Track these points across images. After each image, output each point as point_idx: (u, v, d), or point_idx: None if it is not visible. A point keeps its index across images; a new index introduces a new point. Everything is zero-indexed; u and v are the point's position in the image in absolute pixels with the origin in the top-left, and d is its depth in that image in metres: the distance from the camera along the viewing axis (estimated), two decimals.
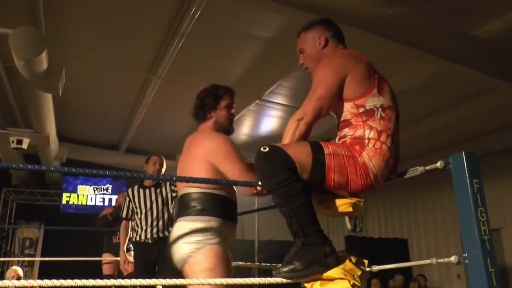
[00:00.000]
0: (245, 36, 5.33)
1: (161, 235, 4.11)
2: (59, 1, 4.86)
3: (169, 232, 4.07)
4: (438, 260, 1.61)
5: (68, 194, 10.14)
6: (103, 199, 10.38)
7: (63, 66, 5.27)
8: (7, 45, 4.35)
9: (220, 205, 2.23)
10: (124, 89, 7.14)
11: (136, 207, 4.24)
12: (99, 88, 7.16)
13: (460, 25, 4.71)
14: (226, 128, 2.47)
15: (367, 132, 1.87)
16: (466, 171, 1.59)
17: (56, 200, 10.25)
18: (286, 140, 1.88)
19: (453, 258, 1.56)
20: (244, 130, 8.58)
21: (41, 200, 10.25)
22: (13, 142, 6.72)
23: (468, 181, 1.58)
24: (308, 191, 1.80)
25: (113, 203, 10.25)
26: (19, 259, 9.06)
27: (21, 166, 1.55)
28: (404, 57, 5.19)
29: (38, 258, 9.28)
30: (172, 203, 4.25)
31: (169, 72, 6.07)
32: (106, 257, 5.71)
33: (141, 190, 4.28)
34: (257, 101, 6.93)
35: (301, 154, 1.79)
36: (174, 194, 4.24)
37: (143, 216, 4.16)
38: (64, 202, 10.07)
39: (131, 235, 4.43)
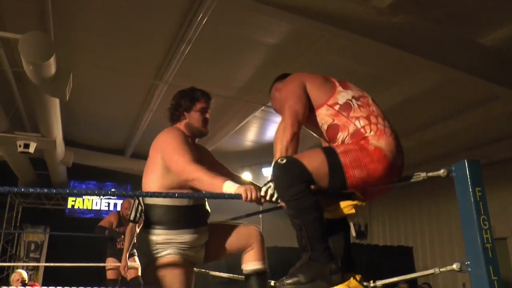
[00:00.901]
0: (251, 43, 5.36)
1: None
2: (68, 7, 4.91)
3: None
4: (441, 269, 1.62)
5: (74, 199, 10.20)
6: (108, 203, 10.43)
7: (71, 71, 5.32)
8: (16, 50, 4.40)
9: (180, 216, 2.21)
10: (131, 94, 7.19)
11: (144, 210, 4.22)
12: (106, 93, 7.21)
13: (465, 33, 4.72)
14: (199, 130, 2.44)
15: (357, 123, 1.91)
16: (469, 179, 1.60)
17: (61, 204, 10.30)
18: (277, 148, 1.92)
19: (455, 266, 1.57)
20: (249, 136, 8.60)
21: (46, 204, 10.31)
22: (20, 146, 6.77)
23: (470, 189, 1.60)
24: (321, 207, 1.83)
25: (118, 208, 10.30)
26: (23, 264, 9.09)
27: (31, 190, 1.57)
28: (409, 65, 5.20)
29: (42, 264, 9.30)
30: None
31: (176, 77, 6.10)
32: (110, 262, 5.72)
33: None
34: (263, 108, 6.95)
35: (315, 162, 1.83)
36: None
37: None
38: (69, 206, 10.13)
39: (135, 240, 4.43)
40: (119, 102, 7.57)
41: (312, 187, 1.84)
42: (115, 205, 10.34)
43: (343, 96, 1.99)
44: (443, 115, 6.80)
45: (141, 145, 9.23)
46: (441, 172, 1.68)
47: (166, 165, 2.22)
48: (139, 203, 4.32)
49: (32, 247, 9.93)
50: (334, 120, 1.96)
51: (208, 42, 5.29)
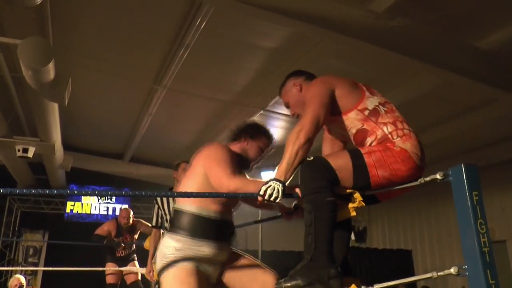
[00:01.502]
0: (250, 47, 5.38)
1: None
2: (67, 12, 4.93)
3: None
4: (439, 273, 1.62)
5: (72, 203, 10.19)
6: (107, 208, 10.42)
7: (70, 76, 5.33)
8: (15, 55, 4.41)
9: (204, 227, 2.20)
10: (130, 98, 7.20)
11: (165, 214, 4.15)
12: (105, 97, 7.22)
13: (462, 37, 4.75)
14: (248, 160, 2.42)
15: (385, 129, 1.97)
16: (466, 183, 1.61)
17: (60, 208, 10.29)
18: (287, 150, 1.94)
19: (453, 270, 1.58)
20: None
21: (45, 209, 10.30)
22: (19, 150, 6.77)
23: (467, 193, 1.60)
24: (336, 208, 1.84)
25: (117, 212, 10.29)
26: (22, 268, 9.06)
27: (33, 191, 1.57)
28: (407, 68, 5.22)
29: (41, 268, 9.27)
30: None
31: (174, 82, 6.12)
32: (109, 267, 5.70)
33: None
34: (262, 111, 6.96)
35: (341, 161, 1.89)
36: None
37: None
38: (68, 210, 10.12)
39: None
40: (118, 106, 7.58)
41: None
42: (114, 209, 10.32)
43: (371, 101, 2.04)
44: (441, 118, 6.82)
45: (140, 149, 9.23)
46: (438, 175, 1.69)
47: (206, 176, 2.22)
48: (159, 207, 4.25)
49: (31, 251, 9.91)
50: (363, 125, 2.01)
51: (206, 47, 5.31)
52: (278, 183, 1.90)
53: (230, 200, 2.27)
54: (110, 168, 10.09)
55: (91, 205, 10.34)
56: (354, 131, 2.04)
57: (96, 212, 10.31)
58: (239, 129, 2.50)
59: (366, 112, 2.00)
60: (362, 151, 1.92)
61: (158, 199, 4.24)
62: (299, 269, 1.80)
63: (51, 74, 4.72)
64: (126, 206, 10.28)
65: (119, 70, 6.12)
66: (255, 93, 6.38)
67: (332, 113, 2.05)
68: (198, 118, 7.75)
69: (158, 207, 4.25)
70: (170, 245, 2.18)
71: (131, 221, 5.73)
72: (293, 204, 2.42)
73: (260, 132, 2.46)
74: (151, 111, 7.19)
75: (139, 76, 6.33)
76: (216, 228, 2.22)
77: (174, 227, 2.23)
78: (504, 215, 8.26)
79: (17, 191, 1.70)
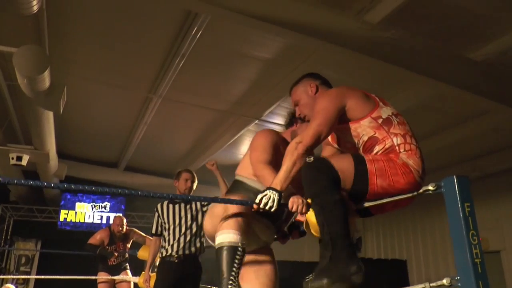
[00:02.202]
0: (245, 57, 5.40)
1: (186, 251, 4.00)
2: (63, 21, 4.94)
3: (195, 248, 4.04)
4: (431, 284, 1.63)
5: (66, 211, 10.14)
6: (101, 216, 10.37)
7: (65, 84, 5.33)
8: (10, 63, 4.41)
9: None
10: (125, 107, 7.21)
11: (164, 222, 4.14)
12: (100, 106, 7.22)
13: (456, 48, 4.79)
14: None
15: (394, 140, 1.99)
16: (458, 195, 1.62)
17: (53, 217, 10.23)
18: (285, 160, 1.98)
19: (445, 281, 1.58)
20: (243, 150, 8.61)
21: (38, 217, 10.24)
22: (13, 158, 6.75)
23: (459, 205, 1.62)
24: (345, 205, 1.87)
25: (111, 221, 10.24)
26: (13, 277, 8.99)
27: (22, 181, 1.57)
28: (401, 79, 5.26)
29: (32, 276, 9.20)
30: (202, 218, 4.09)
31: (170, 91, 6.13)
32: (102, 276, 5.66)
33: (171, 206, 4.17)
34: (257, 121, 6.98)
35: (343, 163, 1.91)
36: (204, 209, 4.13)
37: (171, 231, 4.06)
38: (61, 219, 10.06)
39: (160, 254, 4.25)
40: (113, 115, 7.59)
41: None
42: (108, 218, 10.28)
43: (384, 111, 2.06)
44: (435, 129, 6.86)
45: (135, 158, 9.22)
46: (430, 186, 1.71)
47: None
48: (159, 216, 4.23)
49: (23, 260, 9.84)
50: (375, 133, 2.02)
51: (202, 56, 5.33)
52: (274, 192, 1.92)
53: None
54: (105, 177, 10.05)
55: (84, 213, 10.29)
56: (365, 138, 2.05)
57: (90, 220, 10.27)
58: (290, 115, 2.61)
59: (380, 121, 2.02)
60: (366, 158, 1.94)
61: (159, 208, 4.23)
62: (322, 268, 1.80)
63: (47, 83, 4.73)
64: (120, 214, 10.25)
65: (115, 79, 6.13)
66: (251, 103, 6.40)
67: (344, 121, 2.07)
68: (193, 127, 7.76)
69: (158, 216, 4.23)
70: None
71: (124, 229, 5.72)
72: (287, 226, 2.44)
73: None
74: (146, 120, 7.19)
75: (134, 85, 6.34)
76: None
77: (231, 193, 2.34)
78: (498, 225, 8.27)
79: (7, 180, 1.66)
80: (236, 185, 2.42)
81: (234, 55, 5.37)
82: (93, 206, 10.44)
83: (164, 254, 4.06)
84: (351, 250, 1.80)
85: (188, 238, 4.04)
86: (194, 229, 4.08)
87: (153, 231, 4.30)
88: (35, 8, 3.83)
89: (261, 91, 6.06)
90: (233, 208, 2.10)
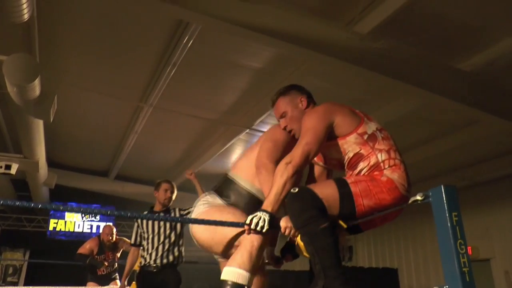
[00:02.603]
0: (236, 66, 5.42)
1: (164, 260, 4.04)
2: (54, 29, 4.94)
3: (173, 257, 4.06)
4: None
5: (56, 220, 10.05)
6: (91, 226, 10.30)
7: (56, 93, 5.31)
8: (0, 71, 4.39)
9: (251, 205, 2.20)
10: (115, 116, 7.19)
11: (143, 232, 4.18)
12: (91, 114, 7.20)
13: (444, 58, 4.85)
14: None
15: (379, 156, 1.99)
16: (445, 204, 1.64)
17: (43, 226, 10.14)
18: (275, 181, 1.95)
19: None
20: (234, 159, 8.61)
21: (27, 226, 10.13)
22: (1, 167, 6.70)
23: (447, 214, 1.63)
24: (335, 232, 1.86)
25: (101, 230, 10.15)
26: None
27: (8, 202, 1.57)
28: (391, 89, 5.30)
29: (19, 287, 9.08)
30: (181, 227, 4.19)
31: (161, 100, 6.13)
32: (91, 286, 5.60)
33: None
34: (247, 131, 6.99)
35: (327, 191, 1.90)
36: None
37: (150, 240, 4.11)
38: (51, 228, 9.98)
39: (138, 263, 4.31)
40: (103, 124, 7.56)
41: None
42: (98, 227, 10.21)
43: (370, 126, 2.07)
44: (424, 138, 6.91)
45: (125, 167, 9.18)
46: (418, 196, 1.72)
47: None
48: (138, 226, 4.25)
49: (10, 270, 9.72)
50: (360, 149, 2.03)
51: (193, 65, 5.35)
52: (265, 213, 1.90)
53: None
54: (95, 185, 10.00)
55: (74, 222, 10.21)
56: (351, 154, 2.05)
57: (80, 230, 10.19)
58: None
59: (365, 136, 2.03)
60: (348, 180, 1.94)
61: (142, 220, 4.25)
62: None
63: (37, 91, 4.71)
64: (110, 224, 10.17)
65: (105, 87, 6.13)
66: (241, 112, 6.41)
67: (331, 138, 2.06)
68: (184, 136, 7.75)
69: (138, 226, 4.27)
70: (220, 203, 2.23)
71: (114, 238, 5.68)
72: (280, 249, 2.44)
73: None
74: (137, 129, 7.18)
75: (125, 94, 6.33)
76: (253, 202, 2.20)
77: (224, 195, 2.27)
78: (488, 234, 8.32)
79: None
80: (226, 184, 2.31)
81: (225, 64, 5.39)
82: (83, 215, 10.37)
83: (143, 263, 4.12)
84: (343, 278, 1.80)
85: (166, 247, 4.09)
86: (172, 238, 4.13)
87: (132, 241, 4.34)
88: (26, 16, 3.83)
89: (252, 101, 6.08)
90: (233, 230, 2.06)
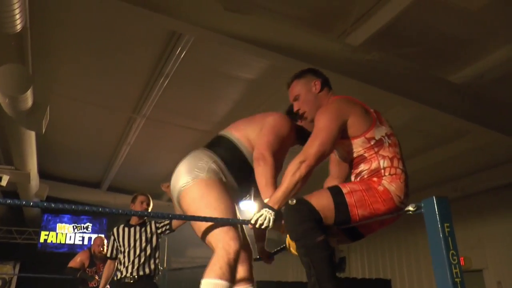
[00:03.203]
0: (229, 78, 5.44)
1: (141, 273, 4.05)
2: (47, 40, 4.93)
3: (149, 269, 4.06)
4: None
5: (47, 232, 9.93)
6: (83, 237, 10.19)
7: (48, 104, 5.29)
8: None
9: (240, 164, 2.20)
10: (108, 127, 7.17)
11: (120, 245, 4.21)
12: (83, 126, 7.17)
13: (435, 71, 4.90)
14: (306, 135, 2.29)
15: (381, 162, 2.00)
16: (437, 215, 1.65)
17: (33, 238, 10.00)
18: (286, 179, 1.94)
19: None
20: None
21: (18, 239, 10.00)
22: None
23: (439, 225, 1.64)
24: (329, 245, 1.87)
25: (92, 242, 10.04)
26: None
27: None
28: (383, 101, 5.32)
29: None
30: (156, 240, 4.22)
31: (154, 111, 6.12)
32: None
33: (126, 229, 4.25)
34: None
35: (323, 202, 1.91)
36: (159, 231, 4.24)
37: (126, 253, 4.12)
38: (42, 240, 9.84)
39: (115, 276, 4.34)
40: (96, 135, 7.53)
41: None
42: (90, 239, 10.10)
43: (379, 131, 2.06)
44: (416, 150, 6.94)
45: (118, 178, 9.13)
46: (410, 207, 1.73)
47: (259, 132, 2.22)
48: (115, 239, 4.28)
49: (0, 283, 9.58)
50: (364, 152, 2.04)
51: (186, 76, 5.36)
52: (270, 211, 1.92)
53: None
54: (87, 197, 9.92)
55: (66, 234, 10.10)
56: (355, 155, 2.08)
57: (71, 242, 10.07)
58: (291, 107, 2.44)
59: (372, 142, 2.03)
60: (344, 190, 1.94)
61: (115, 232, 4.30)
62: None
63: (29, 102, 4.70)
64: (102, 235, 10.09)
65: (98, 98, 6.11)
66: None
67: (341, 137, 2.06)
68: (177, 147, 7.72)
69: (114, 239, 4.29)
70: (207, 161, 2.17)
71: (105, 250, 5.63)
72: (274, 250, 2.45)
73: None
74: (129, 140, 7.15)
75: (118, 105, 6.32)
76: (249, 172, 2.17)
77: (215, 148, 2.24)
78: (480, 244, 8.35)
79: None
80: (219, 141, 2.29)
81: (218, 75, 5.41)
82: (74, 227, 10.26)
83: (119, 276, 4.12)
84: None
85: (142, 260, 4.10)
86: (148, 251, 4.15)
87: (108, 254, 4.38)
88: (19, 27, 3.82)
89: (245, 112, 6.05)
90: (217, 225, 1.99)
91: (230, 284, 1.87)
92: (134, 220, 4.30)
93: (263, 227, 1.92)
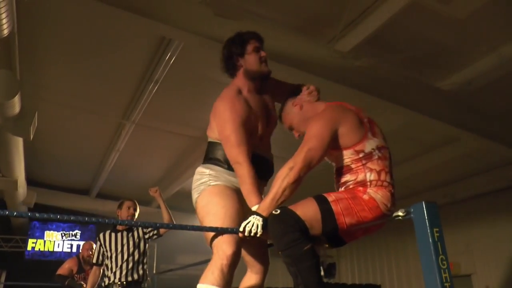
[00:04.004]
0: (218, 84, 5.33)
1: (129, 278, 4.03)
2: (35, 46, 4.89)
3: (138, 275, 4.03)
4: None
5: (34, 240, 9.79)
6: (71, 245, 10.06)
7: (36, 110, 5.24)
8: None
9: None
10: (97, 133, 7.11)
11: (106, 251, 4.18)
12: (72, 132, 7.11)
13: (424, 77, 4.93)
14: (258, 73, 2.31)
15: (368, 175, 1.98)
16: (427, 220, 1.65)
17: (21, 246, 9.86)
18: (275, 185, 1.94)
19: None
20: None
21: (4, 247, 9.84)
22: None
23: (428, 230, 1.64)
24: (316, 254, 1.86)
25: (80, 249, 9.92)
26: None
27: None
28: (372, 107, 5.32)
29: None
30: (144, 245, 4.21)
31: (143, 117, 6.09)
32: None
33: (113, 234, 4.23)
34: None
35: (309, 211, 1.89)
36: (146, 236, 4.23)
37: (113, 258, 4.10)
38: (29, 248, 9.70)
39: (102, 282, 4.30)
40: (85, 141, 7.47)
41: None
42: (78, 246, 9.98)
43: (370, 144, 2.03)
44: (405, 156, 6.98)
45: (107, 185, 9.06)
46: (400, 212, 1.74)
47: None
48: (101, 245, 4.25)
49: None
50: (352, 163, 2.03)
51: (175, 82, 5.34)
52: (258, 218, 1.91)
53: (256, 129, 2.21)
54: (76, 204, 9.82)
55: (54, 242, 9.97)
56: (341, 165, 2.07)
57: (60, 249, 9.94)
58: (225, 62, 2.41)
59: (361, 154, 2.01)
60: (329, 198, 1.93)
61: (102, 238, 4.28)
62: None
63: (16, 108, 4.65)
64: (90, 241, 9.99)
65: (87, 105, 6.07)
66: None
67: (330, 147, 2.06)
68: (167, 154, 7.70)
69: (100, 245, 4.27)
70: (204, 172, 2.19)
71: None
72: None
73: (240, 43, 2.34)
74: (119, 147, 7.11)
75: (107, 111, 6.28)
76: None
77: (207, 159, 2.24)
78: (469, 250, 8.40)
79: None
80: (213, 148, 2.26)
81: (208, 81, 5.38)
82: (63, 235, 10.14)
83: (106, 282, 4.09)
84: None
85: (130, 265, 4.07)
86: (136, 256, 4.13)
87: (94, 260, 4.37)
88: (6, 32, 3.79)
89: None
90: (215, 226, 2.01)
91: None
92: (120, 225, 4.27)
93: (252, 234, 1.90)
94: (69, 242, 10.08)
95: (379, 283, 10.41)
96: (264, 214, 1.91)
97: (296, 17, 4.24)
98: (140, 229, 4.27)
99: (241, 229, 1.92)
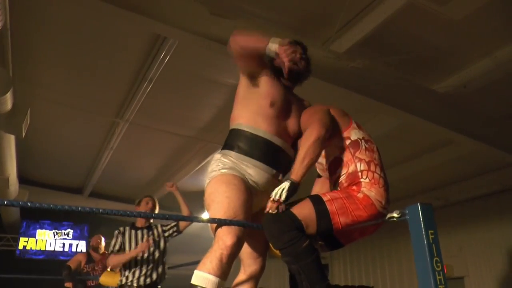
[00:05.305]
0: (213, 83, 5.41)
1: (148, 280, 3.92)
2: (28, 42, 4.84)
3: (157, 274, 3.96)
4: None
5: (26, 239, 9.72)
6: (63, 244, 10.01)
7: (29, 107, 5.19)
8: None
9: (250, 143, 2.18)
10: (91, 132, 7.07)
11: (125, 246, 4.05)
12: (65, 130, 7.06)
13: (419, 79, 4.93)
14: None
15: (358, 165, 2.00)
16: (422, 222, 1.64)
17: (12, 245, 9.79)
18: (300, 150, 1.97)
19: None
20: None
21: None
22: None
23: (423, 232, 1.63)
24: (315, 248, 1.89)
25: (74, 249, 9.87)
26: None
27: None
28: (367, 109, 5.35)
29: None
30: (164, 244, 4.12)
31: (137, 116, 6.06)
32: None
33: (133, 231, 4.11)
34: None
35: (304, 211, 1.91)
36: (166, 234, 4.16)
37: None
38: (20, 247, 9.63)
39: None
40: (78, 139, 7.42)
41: None
42: (70, 245, 9.94)
43: (355, 133, 2.09)
44: (400, 158, 6.99)
45: (100, 184, 9.01)
46: (395, 213, 1.73)
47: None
48: (122, 235, 4.08)
49: None
50: (340, 154, 2.05)
51: (169, 81, 5.31)
52: (288, 182, 1.92)
53: (283, 120, 2.26)
54: (69, 203, 9.44)
55: (46, 241, 9.90)
56: (331, 158, 2.09)
57: (52, 248, 9.88)
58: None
59: (348, 142, 2.05)
60: (324, 198, 1.94)
61: (122, 229, 4.15)
62: None
63: (8, 105, 4.61)
64: (83, 242, 9.95)
65: (80, 102, 6.02)
66: (218, 129, 6.38)
67: None
68: (160, 153, 7.66)
69: (122, 235, 4.10)
70: (218, 159, 2.21)
71: (102, 244, 5.73)
72: None
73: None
74: (112, 145, 7.06)
75: (100, 109, 6.24)
76: (263, 148, 2.15)
77: (224, 145, 2.28)
78: (462, 253, 8.44)
79: None
80: (237, 136, 2.26)
81: (202, 80, 5.38)
82: (55, 233, 10.08)
83: (124, 281, 3.96)
84: None
85: (151, 264, 3.98)
86: (156, 255, 4.04)
87: (116, 248, 4.04)
88: None
89: (229, 118, 6.04)
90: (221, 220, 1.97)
91: (219, 280, 1.85)
92: (140, 222, 4.17)
93: (281, 198, 1.88)
94: (61, 241, 10.03)
95: (372, 285, 10.42)
96: (294, 178, 1.91)
97: (292, 17, 4.22)
98: (159, 226, 4.18)
99: (274, 197, 1.91)
